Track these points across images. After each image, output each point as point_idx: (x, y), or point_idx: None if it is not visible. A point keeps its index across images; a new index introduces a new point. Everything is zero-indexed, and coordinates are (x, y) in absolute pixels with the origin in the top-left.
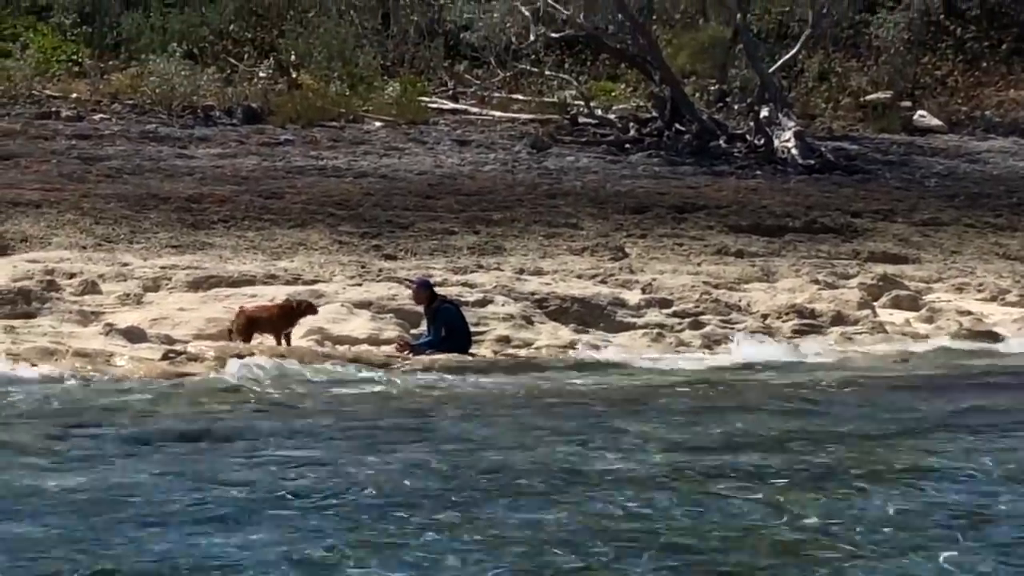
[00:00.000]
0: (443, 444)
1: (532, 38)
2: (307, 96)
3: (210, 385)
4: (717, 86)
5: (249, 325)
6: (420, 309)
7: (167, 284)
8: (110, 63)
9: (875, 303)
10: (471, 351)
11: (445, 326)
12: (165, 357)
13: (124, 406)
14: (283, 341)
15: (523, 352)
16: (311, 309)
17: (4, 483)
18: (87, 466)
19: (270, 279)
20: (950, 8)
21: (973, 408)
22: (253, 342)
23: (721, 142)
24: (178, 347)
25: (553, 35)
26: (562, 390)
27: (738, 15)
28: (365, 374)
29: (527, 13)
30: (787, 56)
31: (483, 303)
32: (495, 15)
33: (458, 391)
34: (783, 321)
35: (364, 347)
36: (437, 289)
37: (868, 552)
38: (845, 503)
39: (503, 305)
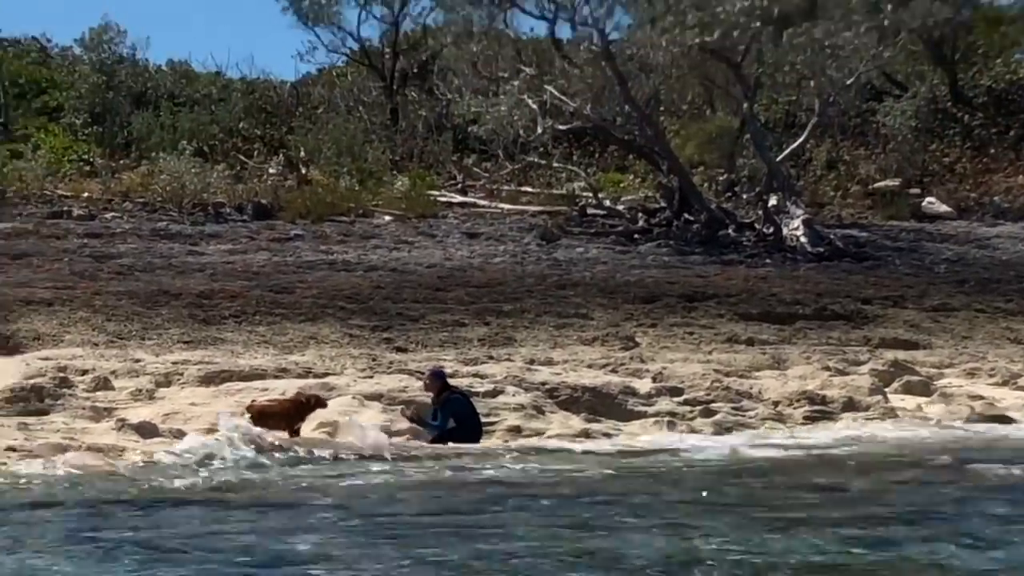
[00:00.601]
0: None
1: (539, 131)
2: (317, 192)
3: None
4: (725, 175)
5: (259, 420)
6: (429, 399)
7: (179, 379)
8: (121, 162)
9: (886, 389)
10: (482, 441)
11: (453, 416)
12: None
13: None
14: (293, 435)
15: (534, 441)
16: (320, 403)
17: None
18: None
19: (281, 373)
20: (957, 96)
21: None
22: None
23: (730, 231)
24: None
25: (560, 127)
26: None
27: (745, 105)
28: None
29: (534, 106)
30: (794, 145)
31: (494, 393)
32: (502, 108)
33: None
34: (794, 408)
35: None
36: (448, 380)
37: None
38: None
39: (514, 395)
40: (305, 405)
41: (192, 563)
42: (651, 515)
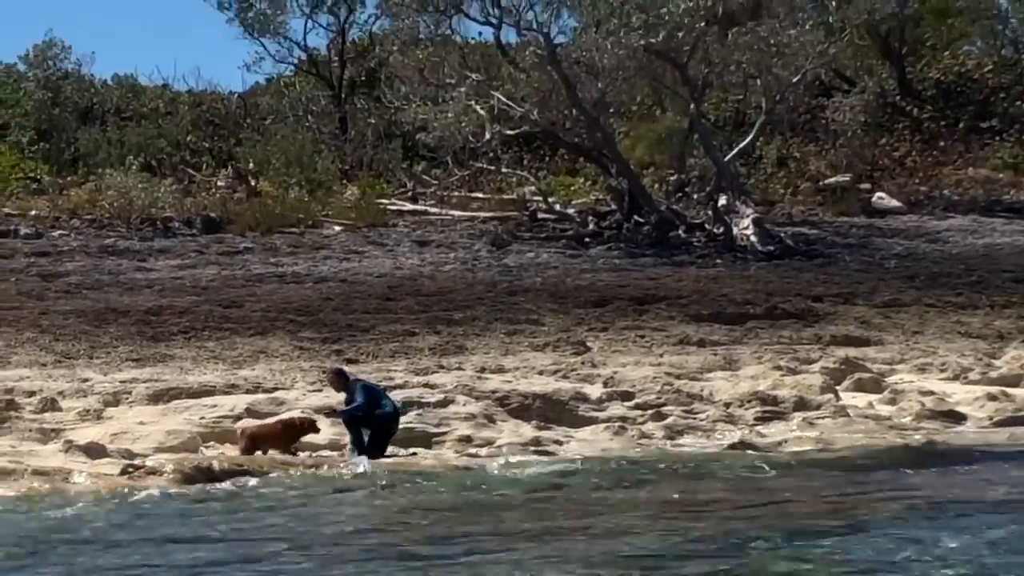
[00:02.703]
0: None
1: (488, 136)
2: (266, 203)
3: None
4: (676, 176)
5: (253, 443)
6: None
7: (127, 398)
8: (68, 179)
9: (838, 387)
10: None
11: (364, 392)
12: (124, 472)
13: None
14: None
15: (484, 451)
16: (312, 427)
17: None
18: None
19: (231, 388)
20: (905, 89)
21: None
22: None
23: (680, 232)
24: (137, 461)
25: (508, 132)
26: None
27: (692, 105)
28: None
29: (482, 112)
30: (743, 144)
31: (444, 403)
32: (449, 115)
33: None
34: (745, 409)
35: (326, 452)
36: (398, 391)
37: None
38: None
39: (464, 404)
40: (299, 428)
41: None
42: None
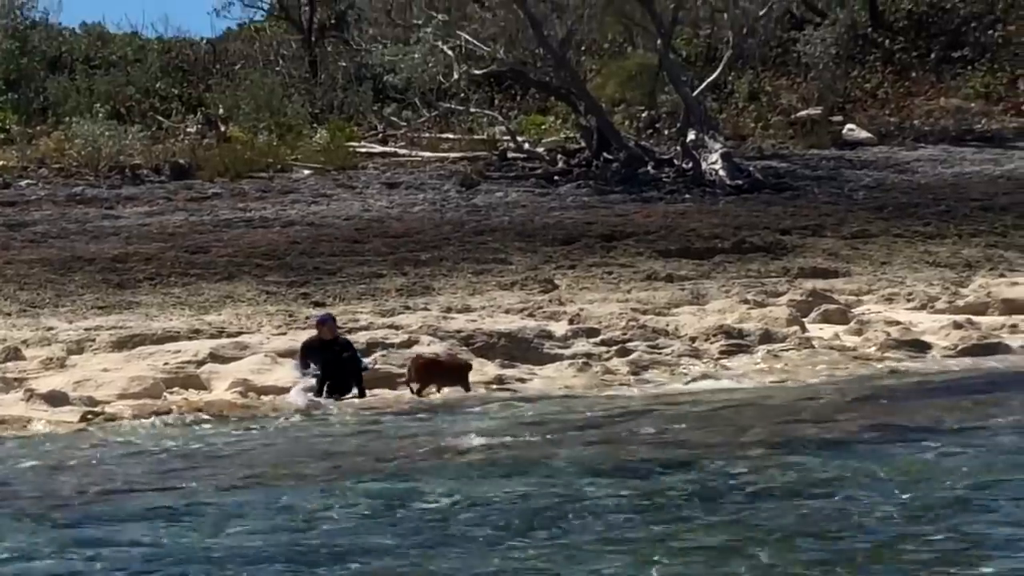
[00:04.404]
0: None
1: (455, 77)
2: (235, 149)
3: None
4: (647, 112)
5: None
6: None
7: (91, 346)
8: (38, 128)
9: (804, 319)
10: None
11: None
12: (83, 418)
13: None
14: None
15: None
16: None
17: None
18: None
19: (195, 334)
20: (877, 20)
21: None
22: None
23: (649, 168)
24: (98, 408)
25: (476, 72)
26: None
27: (658, 41)
28: None
29: (449, 52)
30: (711, 78)
31: (408, 344)
32: (416, 56)
33: None
34: (710, 343)
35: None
36: (363, 333)
37: None
38: None
39: (428, 344)
40: (466, 369)
41: None
42: None
